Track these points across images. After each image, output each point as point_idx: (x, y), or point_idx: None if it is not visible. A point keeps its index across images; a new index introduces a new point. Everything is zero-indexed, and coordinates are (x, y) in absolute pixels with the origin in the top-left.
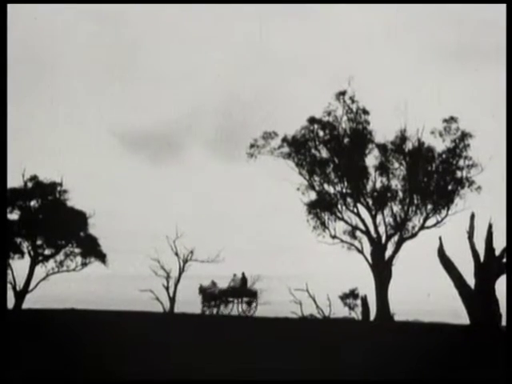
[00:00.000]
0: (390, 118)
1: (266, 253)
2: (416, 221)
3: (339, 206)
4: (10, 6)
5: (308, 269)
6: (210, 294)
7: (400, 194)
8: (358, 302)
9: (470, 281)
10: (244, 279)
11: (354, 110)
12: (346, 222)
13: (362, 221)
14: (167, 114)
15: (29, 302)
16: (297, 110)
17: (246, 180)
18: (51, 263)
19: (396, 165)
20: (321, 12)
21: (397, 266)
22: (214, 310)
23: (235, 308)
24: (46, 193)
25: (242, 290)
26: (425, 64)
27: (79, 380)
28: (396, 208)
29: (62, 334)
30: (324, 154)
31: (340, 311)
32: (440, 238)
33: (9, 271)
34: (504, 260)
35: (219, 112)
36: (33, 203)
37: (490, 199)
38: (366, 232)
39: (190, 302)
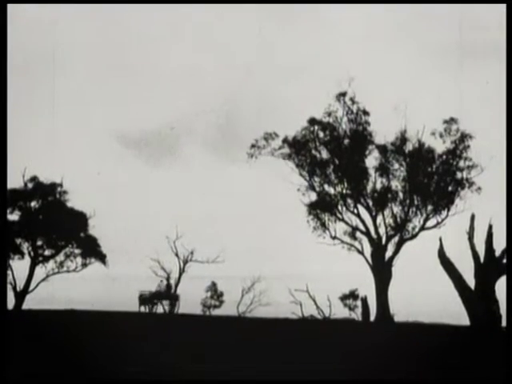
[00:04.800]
0: (390, 119)
1: (266, 253)
2: (416, 222)
3: (339, 207)
4: (9, 6)
5: (308, 269)
6: (143, 299)
7: (400, 194)
8: (359, 302)
9: (470, 281)
10: (169, 285)
11: (355, 111)
12: (347, 223)
13: (363, 222)
14: (167, 115)
15: (29, 303)
16: (297, 111)
17: (246, 181)
18: (51, 264)
19: (396, 166)
20: (321, 12)
21: (397, 267)
22: (147, 310)
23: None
24: (47, 193)
25: (167, 294)
26: (425, 65)
27: (79, 381)
28: (396, 209)
29: (61, 334)
30: (324, 154)
31: (340, 312)
32: (440, 239)
33: (9, 272)
34: (504, 261)
35: (219, 112)
36: (33, 204)
37: (490, 200)
38: (367, 233)
39: (190, 303)
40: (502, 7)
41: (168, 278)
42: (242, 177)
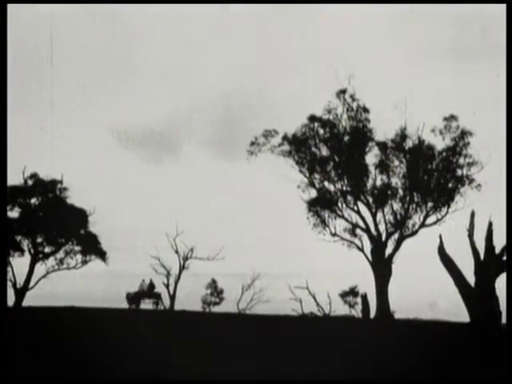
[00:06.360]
0: (390, 116)
1: (266, 250)
2: (416, 219)
3: (339, 204)
4: (9, 6)
5: (308, 267)
6: (130, 298)
7: (400, 191)
8: (358, 299)
9: (470, 279)
10: (152, 284)
11: (355, 108)
12: (347, 220)
13: (363, 218)
14: (167, 112)
15: (29, 300)
16: (297, 108)
17: (246, 178)
18: (51, 261)
19: (396, 163)
20: (321, 10)
21: (397, 264)
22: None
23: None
24: (47, 190)
25: (150, 292)
26: (425, 62)
27: (79, 378)
28: (396, 206)
29: (62, 331)
30: (324, 151)
31: (340, 309)
32: (440, 236)
33: (9, 269)
34: (504, 258)
35: (219, 109)
36: (33, 201)
37: (490, 197)
38: (367, 230)
39: (190, 300)
40: (502, 7)
41: (167, 275)
42: (242, 174)
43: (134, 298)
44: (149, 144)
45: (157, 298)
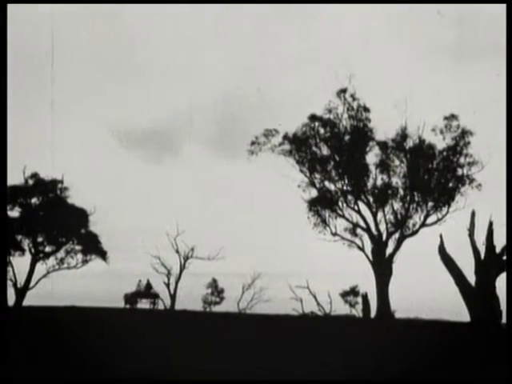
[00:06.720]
0: (391, 116)
1: (266, 250)
2: (417, 218)
3: (340, 204)
4: (9, 6)
5: (309, 266)
6: (127, 298)
7: (401, 191)
8: (359, 299)
9: (471, 278)
10: (149, 284)
11: (355, 107)
12: (347, 220)
13: (363, 218)
14: (167, 112)
15: (29, 299)
16: (298, 108)
17: (247, 177)
18: (52, 260)
19: (397, 162)
20: (321, 10)
21: (397, 264)
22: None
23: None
24: (47, 190)
25: (147, 292)
26: (425, 62)
27: (79, 377)
28: (397, 205)
29: (62, 331)
30: (325, 151)
31: (341, 308)
32: (441, 236)
33: (9, 268)
34: (504, 257)
35: (219, 109)
36: (33, 200)
37: (491, 197)
38: (367, 229)
39: (190, 299)
40: (502, 7)
41: (168, 275)
42: (243, 173)
43: (131, 298)
44: (149, 144)
45: (154, 297)
